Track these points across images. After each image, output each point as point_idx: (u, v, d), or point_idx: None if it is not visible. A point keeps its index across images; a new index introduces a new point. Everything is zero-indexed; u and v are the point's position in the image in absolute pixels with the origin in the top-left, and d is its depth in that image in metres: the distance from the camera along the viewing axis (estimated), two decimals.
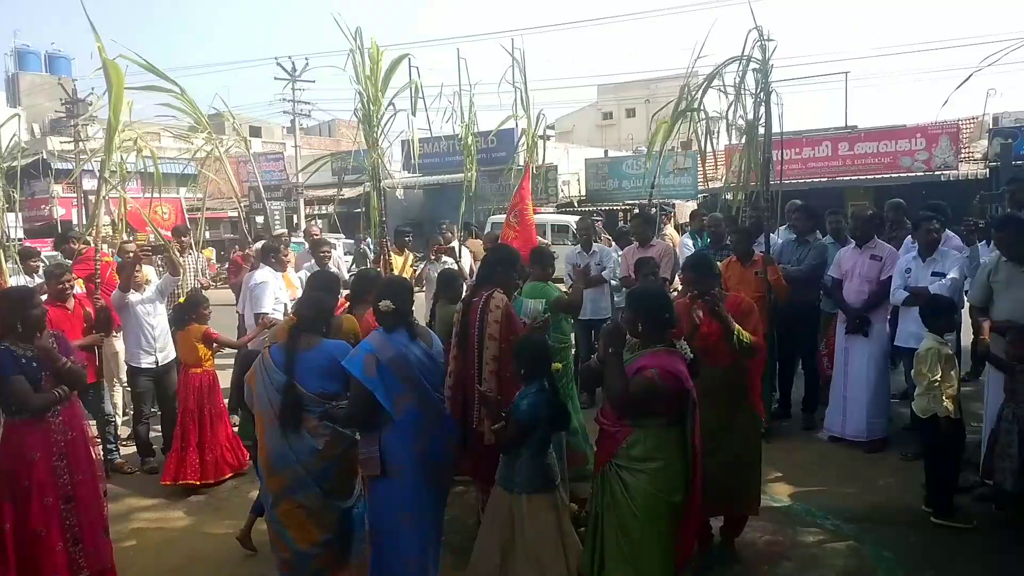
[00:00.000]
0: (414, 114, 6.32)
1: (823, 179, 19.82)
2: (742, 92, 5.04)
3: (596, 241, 7.76)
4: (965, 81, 4.73)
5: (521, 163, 7.36)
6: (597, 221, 13.99)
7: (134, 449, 5.99)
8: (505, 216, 7.02)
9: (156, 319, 5.86)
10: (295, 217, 29.69)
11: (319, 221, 30.25)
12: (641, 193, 20.56)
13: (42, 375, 3.52)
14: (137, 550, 4.41)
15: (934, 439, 4.35)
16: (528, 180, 6.92)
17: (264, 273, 6.29)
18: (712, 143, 6.09)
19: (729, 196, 8.15)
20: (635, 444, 3.04)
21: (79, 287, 5.78)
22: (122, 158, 5.89)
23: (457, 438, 3.50)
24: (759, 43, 4.87)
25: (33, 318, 3.54)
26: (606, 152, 28.65)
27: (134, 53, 5.73)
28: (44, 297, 5.40)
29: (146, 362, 5.76)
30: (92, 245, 5.80)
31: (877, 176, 19.20)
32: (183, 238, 9.33)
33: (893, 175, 18.88)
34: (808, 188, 18.66)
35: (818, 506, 4.61)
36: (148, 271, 7.24)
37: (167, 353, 5.92)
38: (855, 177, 19.59)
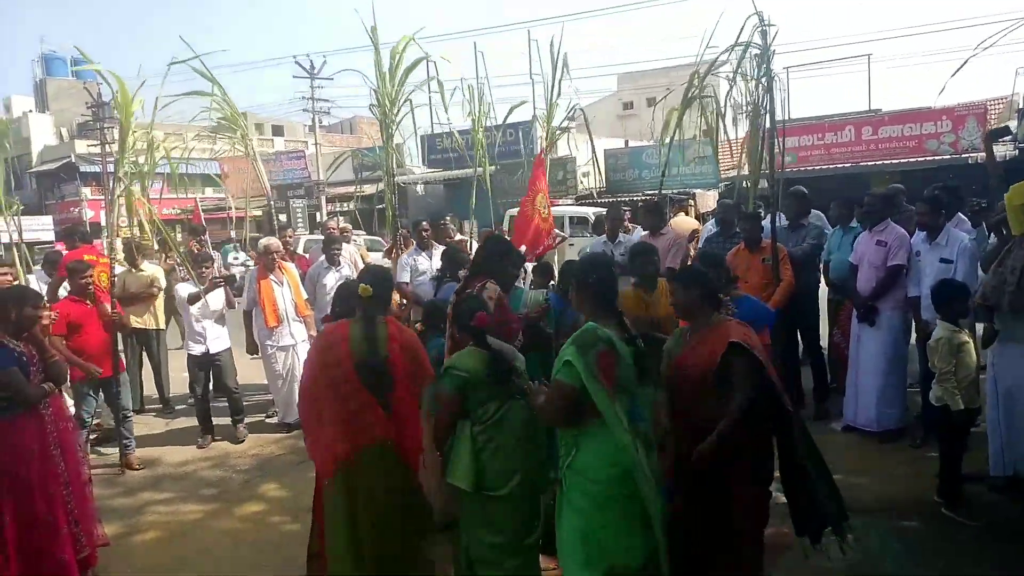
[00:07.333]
0: (445, 110, 6.47)
1: (846, 164, 19.42)
2: (743, 78, 4.96)
3: (624, 232, 7.56)
4: (961, 67, 4.63)
5: (559, 154, 7.43)
6: (626, 211, 13.66)
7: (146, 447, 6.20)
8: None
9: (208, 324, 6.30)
10: (318, 215, 29.93)
11: (341, 218, 30.51)
12: (663, 183, 20.32)
13: (31, 370, 3.67)
14: (149, 541, 4.51)
15: (947, 429, 4.25)
16: (541, 168, 6.94)
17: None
18: (727, 131, 6.00)
19: (747, 184, 8.09)
20: None
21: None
22: (137, 160, 6.01)
23: None
24: (759, 28, 4.78)
25: (27, 316, 3.70)
26: (626, 142, 28.31)
27: (197, 58, 5.96)
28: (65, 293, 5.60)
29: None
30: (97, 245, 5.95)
31: (902, 160, 18.77)
32: (201, 237, 9.46)
33: (919, 159, 18.43)
34: (831, 174, 18.34)
35: None
36: (156, 271, 7.38)
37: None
38: (880, 162, 19.16)
